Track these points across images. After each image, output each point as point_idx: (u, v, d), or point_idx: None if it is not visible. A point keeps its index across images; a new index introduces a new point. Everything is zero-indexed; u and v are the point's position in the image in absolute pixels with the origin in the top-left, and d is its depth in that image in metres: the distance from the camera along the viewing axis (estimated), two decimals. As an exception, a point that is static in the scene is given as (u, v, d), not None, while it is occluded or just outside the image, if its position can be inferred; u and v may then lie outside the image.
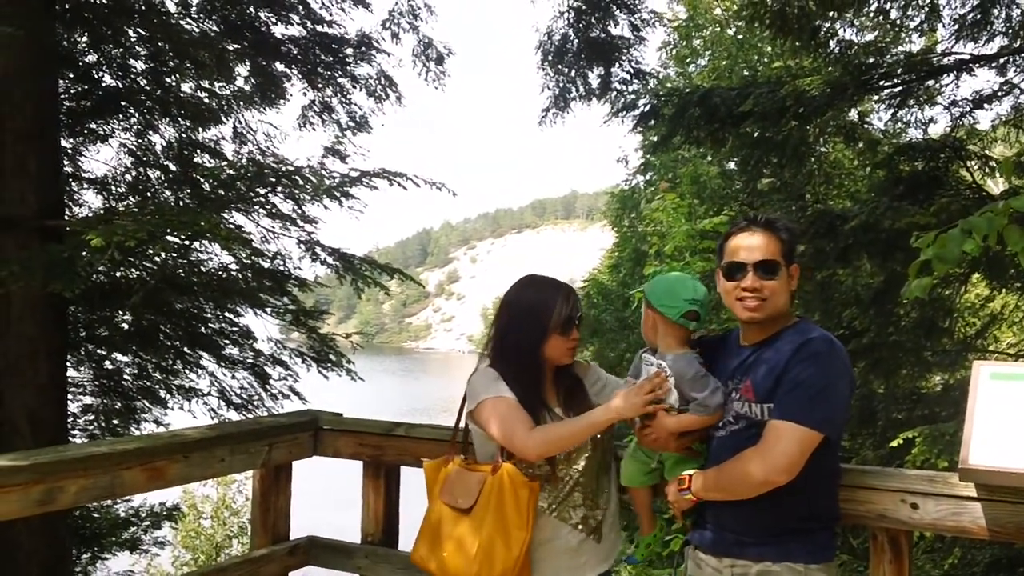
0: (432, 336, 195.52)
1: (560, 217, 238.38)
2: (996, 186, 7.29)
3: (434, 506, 2.59)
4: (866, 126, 8.34)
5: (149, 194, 7.01)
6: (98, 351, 7.30)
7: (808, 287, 7.07)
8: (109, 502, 8.17)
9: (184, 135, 7.30)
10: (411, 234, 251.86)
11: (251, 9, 7.05)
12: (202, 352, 7.27)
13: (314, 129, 7.90)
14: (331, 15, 7.41)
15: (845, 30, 6.99)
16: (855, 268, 7.15)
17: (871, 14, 6.86)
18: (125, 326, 7.02)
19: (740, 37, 13.79)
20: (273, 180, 6.20)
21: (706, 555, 2.36)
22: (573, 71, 8.57)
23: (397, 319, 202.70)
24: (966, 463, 2.14)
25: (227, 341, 7.35)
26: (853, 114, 7.85)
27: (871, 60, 6.57)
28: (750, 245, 2.31)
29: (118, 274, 6.27)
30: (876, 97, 7.34)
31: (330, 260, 6.81)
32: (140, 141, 7.15)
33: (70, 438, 6.46)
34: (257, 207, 6.48)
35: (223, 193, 6.38)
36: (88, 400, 7.47)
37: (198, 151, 7.41)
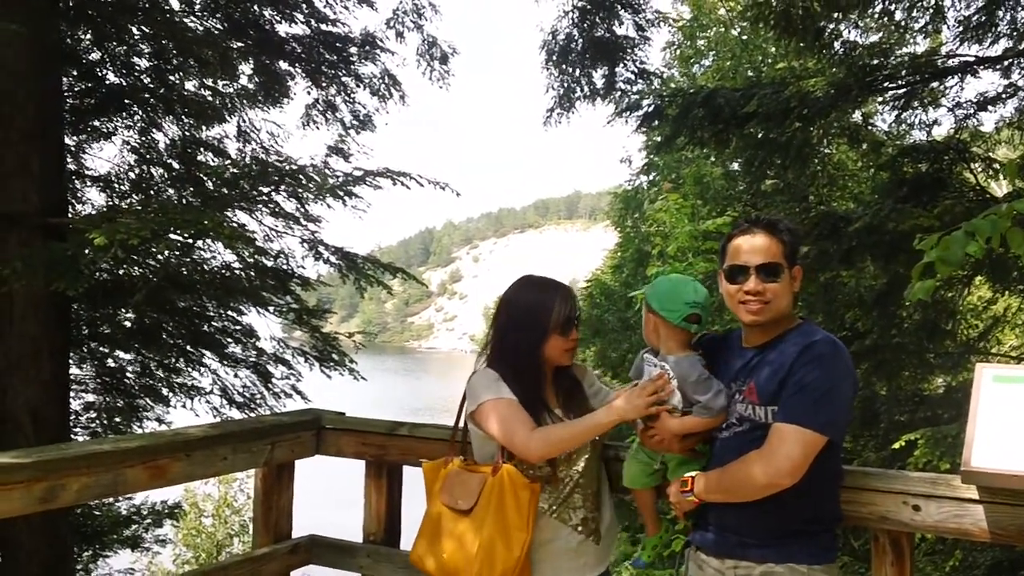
0: (434, 335, 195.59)
1: (563, 217, 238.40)
2: (1000, 188, 7.28)
3: (433, 507, 2.59)
4: (870, 128, 8.32)
5: (152, 192, 7.02)
6: (101, 349, 7.32)
7: (812, 288, 7.06)
8: (111, 500, 8.19)
9: (188, 133, 7.30)
10: (414, 233, 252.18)
11: (255, 7, 7.06)
12: (205, 350, 7.28)
13: (318, 128, 7.91)
14: (335, 14, 7.43)
15: (849, 31, 7.00)
16: (858, 270, 7.14)
17: (876, 15, 6.86)
18: (128, 324, 7.03)
19: (744, 38, 13.79)
20: (276, 179, 6.20)
21: (708, 556, 2.36)
22: (577, 71, 8.57)
23: (399, 318, 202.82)
24: (968, 465, 2.14)
25: (230, 340, 7.36)
26: (857, 116, 7.85)
27: (875, 61, 6.56)
28: (752, 248, 2.30)
29: (121, 272, 6.28)
30: (880, 99, 7.33)
31: (333, 259, 6.82)
32: (143, 139, 7.16)
33: (72, 436, 6.47)
34: (260, 206, 6.48)
35: (226, 191, 6.38)
36: (90, 398, 7.48)
37: (201, 149, 7.41)
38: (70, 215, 6.23)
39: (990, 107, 6.98)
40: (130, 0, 6.33)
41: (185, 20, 6.69)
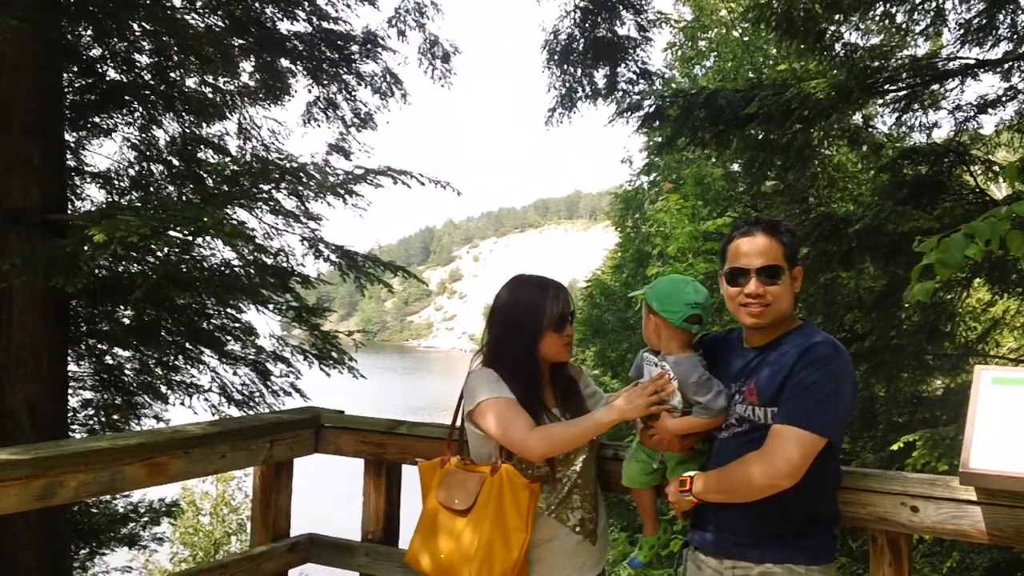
0: (434, 335, 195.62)
1: (563, 217, 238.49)
2: (999, 191, 7.29)
3: (429, 507, 2.59)
4: (870, 130, 8.31)
5: (152, 189, 7.02)
6: (99, 346, 7.31)
7: (811, 290, 7.06)
8: (108, 497, 8.18)
9: (188, 130, 7.30)
10: (414, 232, 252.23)
11: (257, 4, 7.05)
12: (204, 348, 7.27)
13: (319, 126, 7.90)
14: (337, 11, 7.42)
15: (851, 33, 7.00)
16: (858, 271, 7.14)
17: (877, 18, 6.86)
18: (127, 321, 7.03)
19: (746, 39, 13.78)
20: (277, 176, 6.19)
21: (706, 556, 2.36)
22: (579, 71, 8.58)
23: (399, 317, 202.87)
24: (967, 467, 2.14)
25: (229, 337, 7.35)
26: (858, 118, 7.84)
27: (876, 64, 6.56)
28: (752, 250, 2.30)
29: (120, 269, 6.28)
30: (881, 101, 7.33)
31: (333, 257, 6.81)
32: (144, 136, 7.16)
33: (70, 433, 6.47)
34: (260, 203, 6.48)
35: (227, 189, 6.37)
36: (89, 395, 7.47)
37: (202, 146, 7.41)
38: (69, 212, 6.23)
39: (990, 110, 6.98)
40: (131, -3, 6.33)
41: (186, 17, 6.69)
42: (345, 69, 7.66)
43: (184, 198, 6.78)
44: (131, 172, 7.11)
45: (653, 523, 2.64)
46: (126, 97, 6.87)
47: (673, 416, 2.35)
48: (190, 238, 5.67)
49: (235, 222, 6.12)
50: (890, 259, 6.04)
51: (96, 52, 6.86)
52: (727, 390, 2.34)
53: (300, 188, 6.30)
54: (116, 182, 7.09)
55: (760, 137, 7.00)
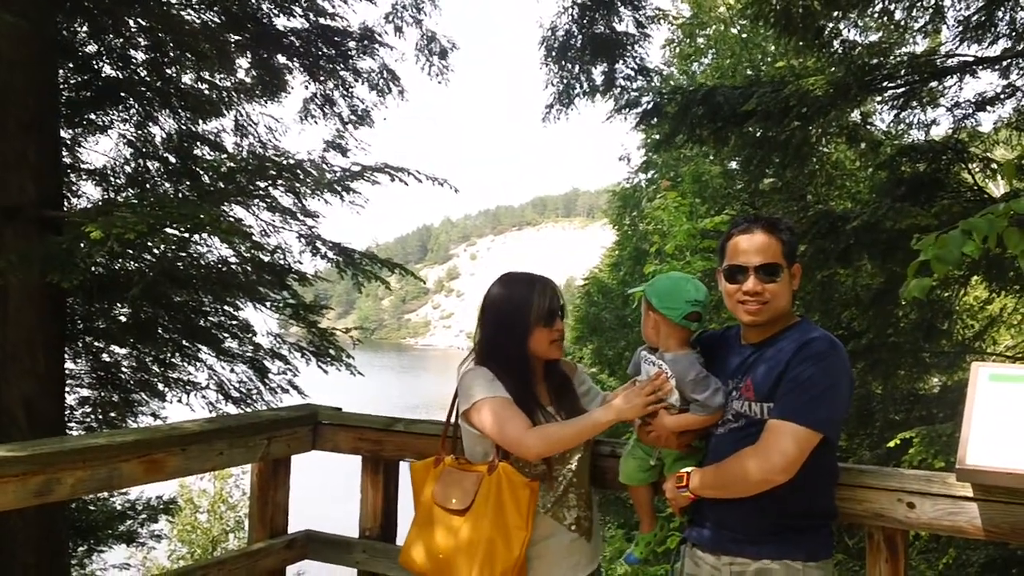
0: (431, 333, 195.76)
1: (561, 215, 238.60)
2: (997, 188, 7.29)
3: (424, 508, 2.58)
4: (868, 127, 8.31)
5: (148, 186, 7.01)
6: (96, 343, 7.30)
7: (809, 287, 7.06)
8: (106, 495, 8.18)
9: (184, 127, 7.29)
10: (411, 230, 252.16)
11: (253, 0, 7.04)
12: (201, 345, 7.27)
13: (315, 123, 7.89)
14: (334, 7, 7.40)
15: (849, 30, 7.00)
16: (856, 269, 7.14)
17: (875, 15, 6.86)
18: (123, 318, 7.02)
19: (744, 36, 13.77)
20: (274, 173, 6.19)
21: (704, 553, 2.36)
22: (577, 67, 8.57)
23: (396, 315, 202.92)
24: (963, 463, 2.14)
25: (226, 335, 7.34)
26: (856, 115, 7.84)
27: (874, 61, 6.56)
28: (751, 247, 2.30)
29: (117, 266, 6.27)
30: (879, 98, 7.33)
31: (330, 254, 6.80)
32: (140, 132, 7.14)
33: (67, 430, 6.46)
34: (257, 200, 6.47)
35: (223, 186, 6.36)
36: (85, 392, 7.47)
37: (198, 143, 7.40)
38: (65, 208, 6.21)
39: (988, 107, 6.98)
40: (127, -7, 6.31)
41: (182, 13, 6.67)
42: (342, 65, 7.64)
43: (180, 195, 6.77)
44: (127, 169, 7.10)
45: (650, 520, 2.64)
46: (122, 94, 6.85)
47: (671, 413, 2.35)
48: (187, 235, 5.66)
49: (232, 219, 6.11)
50: (888, 256, 6.04)
51: (92, 48, 6.84)
52: (724, 387, 2.34)
53: (297, 185, 6.29)
54: (112, 179, 7.07)
55: (758, 134, 7.00)
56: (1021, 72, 6.60)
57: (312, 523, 3.56)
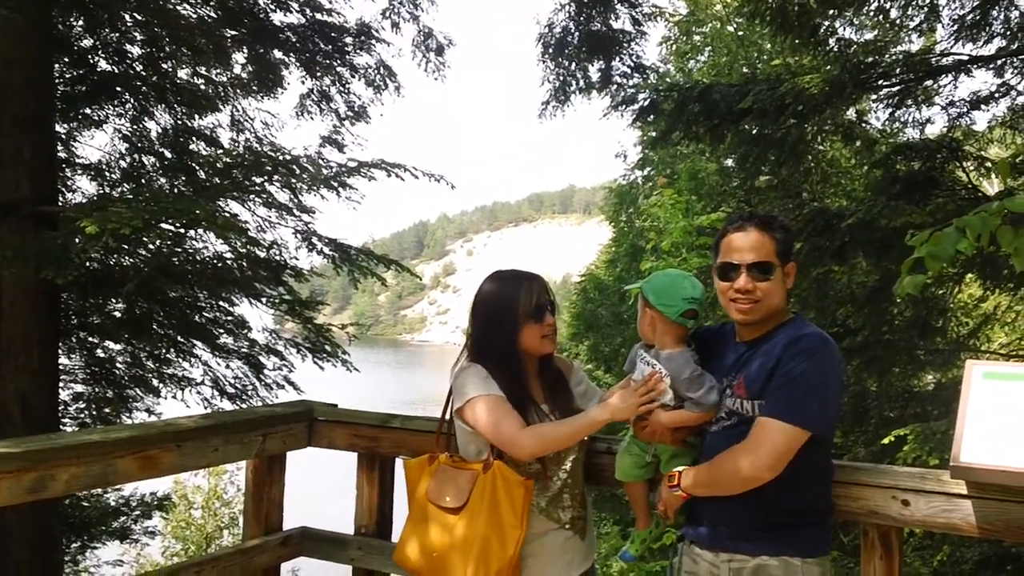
0: (427, 329, 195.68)
1: (557, 211, 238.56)
2: (992, 187, 7.30)
3: (418, 505, 2.58)
4: (864, 125, 8.32)
5: (144, 181, 6.99)
6: (90, 339, 7.28)
7: (804, 284, 7.08)
8: (100, 491, 8.16)
9: (180, 122, 7.27)
10: (407, 226, 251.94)
11: (249, -4, 7.02)
12: (196, 341, 7.25)
13: (312, 118, 7.88)
14: (330, 3, 7.40)
15: (845, 29, 6.99)
16: (851, 266, 7.15)
17: (871, 13, 6.86)
18: (118, 314, 7.00)
19: (740, 33, 13.78)
20: (270, 169, 6.18)
21: (702, 550, 2.36)
22: (573, 64, 8.56)
23: (392, 311, 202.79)
24: (957, 461, 2.15)
25: (221, 330, 7.33)
26: (851, 113, 7.84)
27: (870, 59, 6.56)
28: (743, 245, 2.30)
29: (112, 262, 6.25)
30: (874, 96, 7.34)
31: (326, 250, 6.79)
32: (135, 127, 7.12)
33: (61, 426, 6.44)
34: (253, 196, 6.46)
35: (219, 181, 6.35)
36: (80, 388, 7.45)
37: (194, 138, 7.38)
38: (60, 204, 6.20)
39: (983, 106, 6.99)
40: (123, -13, 6.29)
41: (178, 8, 6.65)
42: (339, 61, 7.63)
43: (176, 190, 6.75)
44: (123, 164, 7.08)
45: (645, 517, 2.65)
46: (118, 88, 6.83)
47: (666, 410, 2.36)
48: (182, 231, 5.65)
49: (228, 215, 6.10)
50: (883, 254, 6.04)
51: (87, 43, 6.82)
52: (719, 384, 2.34)
53: (293, 181, 6.29)
54: (107, 174, 7.05)
55: (754, 132, 7.01)
56: (1016, 71, 6.61)
57: (310, 520, 3.55)
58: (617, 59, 8.46)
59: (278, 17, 7.22)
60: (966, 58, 6.48)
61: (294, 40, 7.30)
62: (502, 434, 2.40)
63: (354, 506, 3.35)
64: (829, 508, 2.35)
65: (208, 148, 7.39)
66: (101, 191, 6.99)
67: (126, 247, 5.84)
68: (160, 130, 7.20)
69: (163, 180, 7.03)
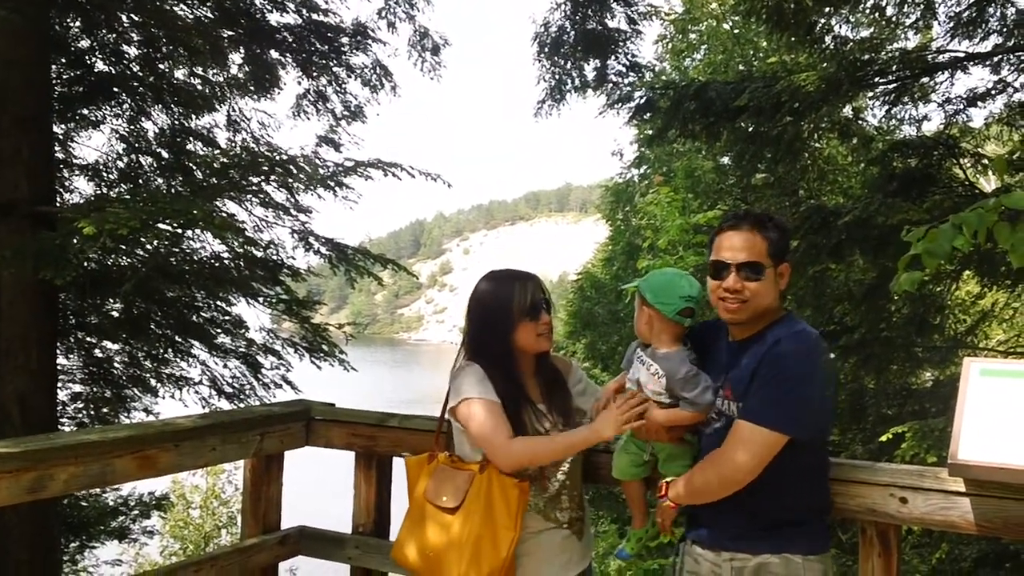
0: (424, 327, 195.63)
1: (554, 209, 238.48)
2: (988, 184, 7.32)
3: (416, 503, 2.59)
4: (860, 122, 8.32)
5: (141, 181, 6.98)
6: (88, 339, 7.28)
7: (801, 282, 7.08)
8: (98, 491, 8.16)
9: (177, 122, 7.26)
10: (404, 225, 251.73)
11: (246, -4, 7.02)
12: (193, 341, 7.25)
13: (308, 118, 7.87)
14: (327, 3, 7.39)
15: (841, 26, 7.00)
16: (848, 264, 7.16)
17: (867, 10, 6.86)
18: (116, 314, 6.99)
19: (736, 32, 13.78)
20: (267, 169, 6.17)
21: (704, 550, 2.36)
22: (569, 63, 8.56)
23: (389, 310, 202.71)
24: (955, 458, 2.15)
25: (219, 330, 7.33)
26: (848, 110, 7.85)
27: (866, 56, 6.56)
28: (735, 244, 2.28)
29: (109, 262, 6.25)
30: (871, 93, 7.34)
31: (323, 250, 6.79)
32: (132, 128, 7.12)
33: (59, 426, 6.44)
34: (250, 196, 6.46)
35: (216, 181, 6.35)
36: (78, 388, 7.44)
37: (191, 138, 7.38)
38: (58, 204, 6.19)
39: (980, 103, 6.99)
40: (119, -12, 6.29)
41: (175, 8, 6.65)
42: (335, 61, 7.63)
43: (173, 190, 6.75)
44: (120, 164, 7.07)
45: (642, 515, 2.65)
46: (115, 89, 6.83)
47: (661, 408, 2.36)
48: (179, 231, 5.65)
49: (225, 214, 6.10)
50: (879, 251, 6.05)
51: (84, 44, 6.82)
52: (713, 384, 2.34)
53: (290, 180, 6.28)
54: (105, 174, 7.04)
55: (750, 129, 7.01)
56: (1012, 68, 6.62)
57: (308, 519, 3.55)
58: (613, 58, 8.46)
59: (274, 17, 7.23)
60: (962, 55, 6.49)
61: (290, 40, 7.29)
62: (490, 442, 2.43)
63: (351, 505, 3.36)
64: (827, 505, 2.36)
65: (205, 148, 7.38)
66: (98, 191, 6.99)
67: (124, 247, 5.84)
68: (157, 130, 7.20)
69: (160, 180, 7.03)
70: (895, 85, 6.77)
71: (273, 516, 3.41)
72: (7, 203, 5.37)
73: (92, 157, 7.24)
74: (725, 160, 12.86)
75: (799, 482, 2.24)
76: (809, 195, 10.47)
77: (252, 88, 7.47)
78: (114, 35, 6.73)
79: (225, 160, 6.64)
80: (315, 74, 7.60)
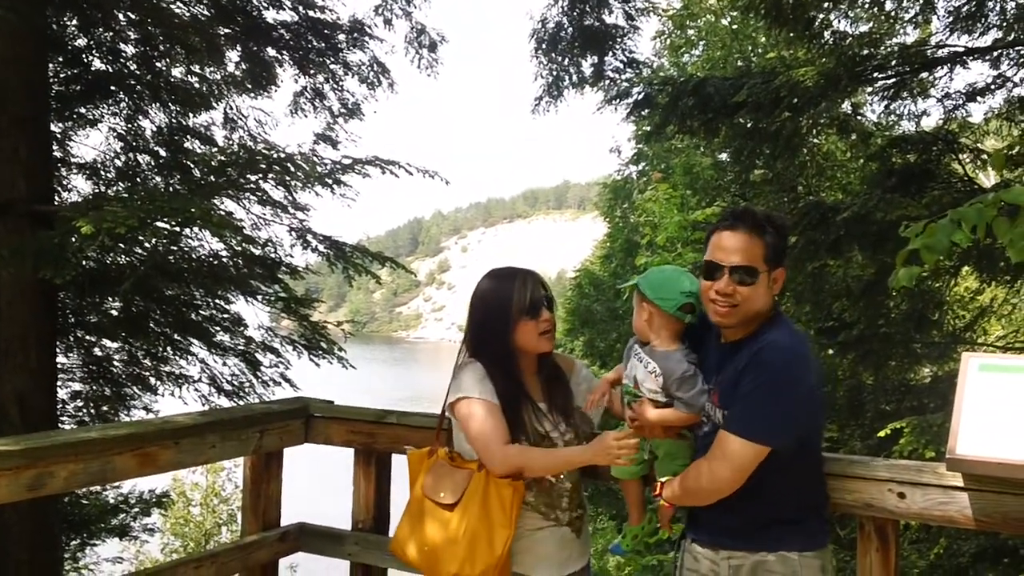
0: (423, 325, 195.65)
1: (552, 207, 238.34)
2: (988, 179, 7.31)
3: (416, 498, 2.60)
4: (859, 118, 8.32)
5: (139, 180, 6.97)
6: (88, 338, 7.27)
7: (799, 278, 7.09)
8: (98, 488, 8.16)
9: (174, 120, 7.25)
10: (402, 223, 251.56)
11: (242, -7, 7.01)
12: (192, 339, 7.24)
13: (306, 116, 7.85)
14: (323, 0, 7.37)
15: (840, 21, 6.98)
16: (846, 260, 7.16)
17: (866, 5, 6.85)
18: (115, 313, 6.99)
19: (735, 27, 13.77)
20: (264, 167, 6.16)
21: (703, 548, 2.36)
22: (567, 59, 8.55)
23: (388, 308, 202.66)
24: (954, 453, 2.15)
25: (218, 328, 7.32)
26: (846, 106, 7.84)
27: (865, 52, 6.56)
28: (730, 246, 2.23)
29: (108, 260, 6.25)
30: (870, 89, 7.33)
31: (321, 248, 6.78)
32: (130, 126, 7.10)
33: (59, 425, 6.44)
34: (248, 194, 6.44)
35: (214, 179, 6.34)
36: (77, 387, 7.44)
37: (188, 137, 7.36)
38: (56, 203, 6.19)
39: (979, 98, 6.98)
40: (116, -14, 6.28)
41: (172, 6, 6.63)
42: (332, 58, 7.61)
43: (171, 189, 6.74)
44: (117, 163, 7.06)
45: (639, 513, 2.65)
46: (112, 87, 6.81)
47: (656, 406, 2.37)
48: (178, 229, 5.64)
49: (223, 213, 6.09)
50: (878, 247, 6.06)
51: (81, 42, 6.80)
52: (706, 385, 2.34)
53: (288, 178, 6.27)
54: (102, 173, 7.03)
55: (749, 125, 7.01)
56: (1011, 63, 6.61)
57: (308, 516, 3.56)
58: (610, 54, 8.44)
59: (271, 15, 7.21)
60: (962, 50, 6.49)
61: (287, 38, 7.28)
62: (483, 444, 2.44)
63: (351, 502, 3.36)
64: (823, 501, 2.36)
65: (202, 146, 7.37)
66: (96, 190, 6.97)
67: (122, 246, 5.83)
68: (154, 129, 7.18)
69: (158, 179, 7.02)
70: (894, 80, 6.77)
71: (273, 513, 3.42)
72: (5, 202, 5.37)
73: (90, 156, 7.24)
74: (723, 156, 12.85)
75: (791, 483, 2.24)
76: (808, 191, 10.48)
77: (249, 86, 7.45)
78: (111, 33, 6.71)
79: (223, 158, 6.63)
80: (312, 71, 7.59)
